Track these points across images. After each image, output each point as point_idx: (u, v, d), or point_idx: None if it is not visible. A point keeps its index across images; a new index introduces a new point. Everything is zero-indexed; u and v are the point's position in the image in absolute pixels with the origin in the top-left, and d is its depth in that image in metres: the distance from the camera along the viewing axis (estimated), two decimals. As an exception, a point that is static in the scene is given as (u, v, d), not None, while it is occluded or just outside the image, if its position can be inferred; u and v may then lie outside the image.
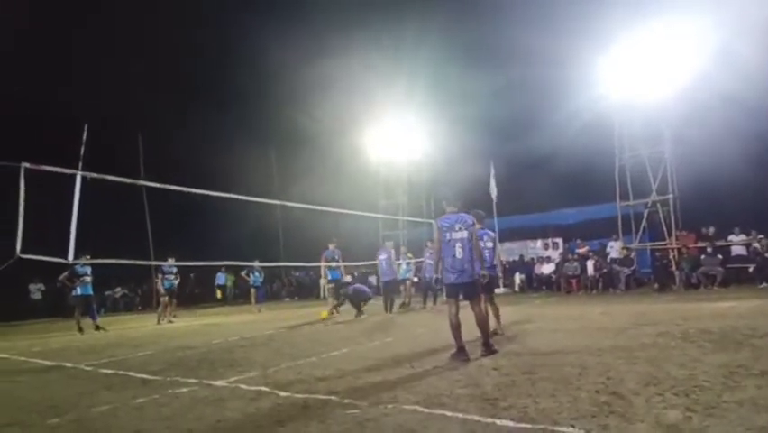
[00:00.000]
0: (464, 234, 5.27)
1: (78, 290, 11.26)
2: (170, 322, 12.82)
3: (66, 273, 11.19)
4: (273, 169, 25.26)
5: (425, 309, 12.16)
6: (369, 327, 9.27)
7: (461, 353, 5.11)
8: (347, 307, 11.92)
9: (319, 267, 12.75)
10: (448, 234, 5.30)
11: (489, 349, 5.32)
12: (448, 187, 5.53)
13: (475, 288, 5.37)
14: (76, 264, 10.22)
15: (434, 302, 12.36)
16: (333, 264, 12.03)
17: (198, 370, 5.60)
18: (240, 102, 24.60)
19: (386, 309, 11.63)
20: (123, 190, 8.98)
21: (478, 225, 5.79)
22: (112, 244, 11.54)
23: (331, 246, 12.01)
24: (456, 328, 5.20)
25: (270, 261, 17.74)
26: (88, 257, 10.16)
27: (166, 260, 12.73)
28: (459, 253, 5.23)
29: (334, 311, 11.81)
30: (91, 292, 11.57)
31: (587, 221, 18.42)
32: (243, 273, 17.28)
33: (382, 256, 12.05)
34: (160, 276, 13.22)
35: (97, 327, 11.31)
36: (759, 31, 11.22)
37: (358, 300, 11.41)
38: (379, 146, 19.48)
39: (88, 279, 11.35)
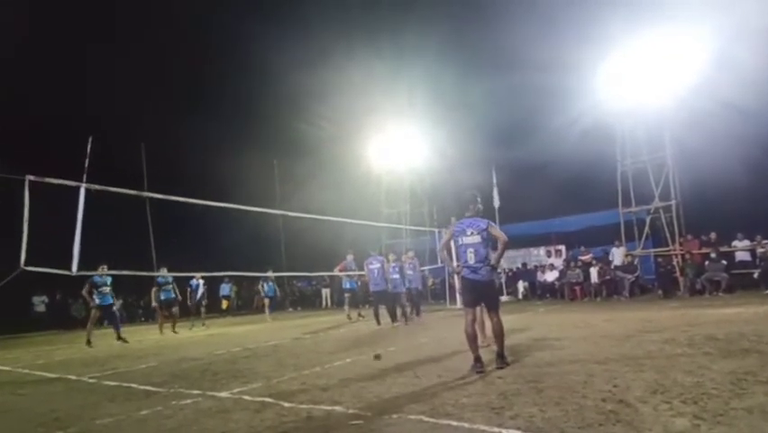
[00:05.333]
0: (477, 238, 5.17)
1: (97, 300, 11.03)
2: (175, 333, 12.79)
3: (86, 286, 11.08)
4: (275, 178, 25.30)
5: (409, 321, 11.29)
6: (371, 336, 9.23)
7: (477, 363, 4.98)
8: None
9: (321, 277, 12.96)
10: (459, 239, 5.27)
11: (503, 361, 5.15)
12: (470, 192, 5.45)
13: (494, 293, 5.31)
14: (94, 275, 10.26)
15: (418, 314, 11.83)
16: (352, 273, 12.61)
17: (202, 381, 5.58)
18: (242, 111, 24.74)
19: (377, 321, 10.90)
20: (126, 200, 8.98)
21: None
22: (114, 255, 11.52)
23: (349, 257, 12.13)
24: (473, 339, 5.07)
25: (273, 270, 17.74)
26: (105, 267, 10.15)
27: (159, 271, 12.45)
28: (471, 258, 5.16)
29: (352, 317, 12.19)
30: (111, 301, 11.34)
31: (589, 228, 18.37)
32: (259, 286, 17.44)
33: (374, 265, 11.18)
34: (155, 288, 13.01)
35: (119, 338, 11.08)
36: (759, 36, 11.27)
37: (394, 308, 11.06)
38: (381, 154, 19.52)
39: (107, 289, 11.16)
